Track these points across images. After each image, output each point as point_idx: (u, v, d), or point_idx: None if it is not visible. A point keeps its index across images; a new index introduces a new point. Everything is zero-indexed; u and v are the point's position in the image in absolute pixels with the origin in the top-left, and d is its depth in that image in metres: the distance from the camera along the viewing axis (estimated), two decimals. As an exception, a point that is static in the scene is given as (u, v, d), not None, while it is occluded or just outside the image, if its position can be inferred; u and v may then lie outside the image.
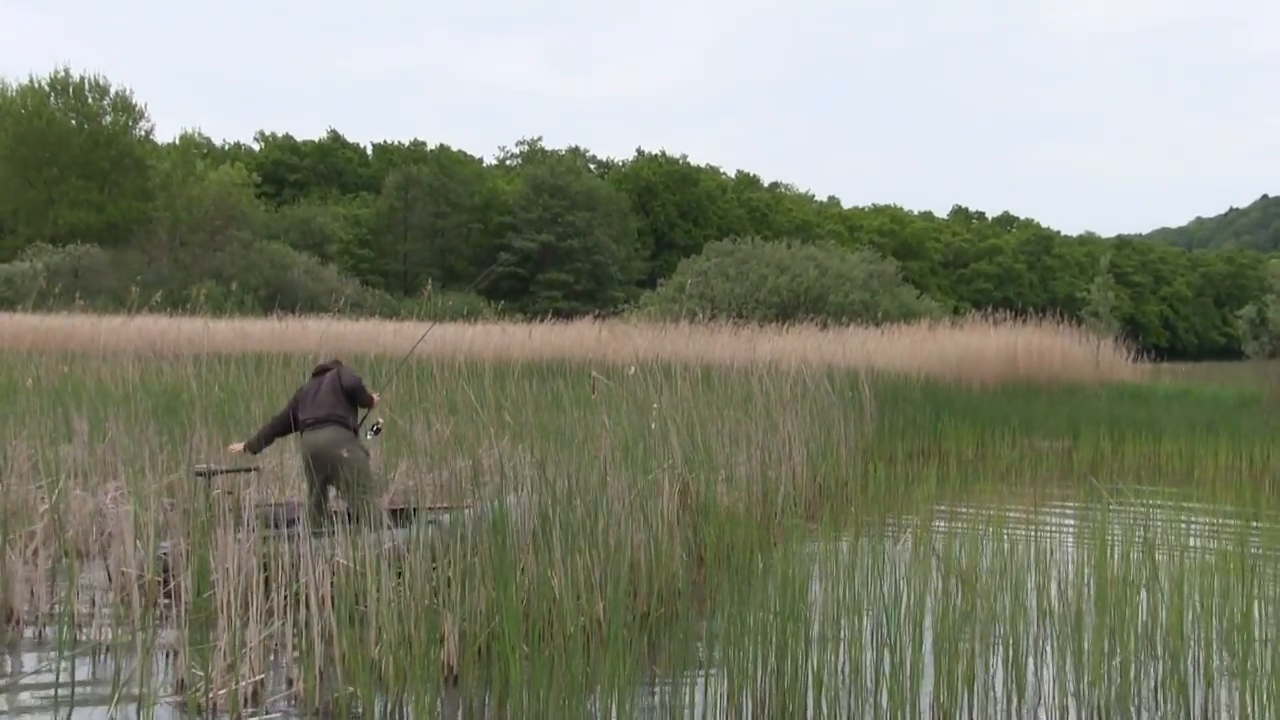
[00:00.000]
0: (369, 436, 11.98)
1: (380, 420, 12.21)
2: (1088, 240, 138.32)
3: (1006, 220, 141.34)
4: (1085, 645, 8.47)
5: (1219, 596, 9.09)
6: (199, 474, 11.58)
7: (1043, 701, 8.29)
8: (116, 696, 7.99)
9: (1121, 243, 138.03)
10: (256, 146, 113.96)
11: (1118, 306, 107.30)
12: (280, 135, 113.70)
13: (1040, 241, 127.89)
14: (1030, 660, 8.75)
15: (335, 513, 11.17)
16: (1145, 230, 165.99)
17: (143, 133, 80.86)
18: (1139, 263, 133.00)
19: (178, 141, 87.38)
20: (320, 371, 12.04)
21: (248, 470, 12.55)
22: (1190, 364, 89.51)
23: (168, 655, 8.94)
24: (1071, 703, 8.15)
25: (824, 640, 8.44)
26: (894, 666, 7.88)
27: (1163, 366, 61.02)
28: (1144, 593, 9.23)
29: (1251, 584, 9.06)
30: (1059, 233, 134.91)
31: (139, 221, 75.58)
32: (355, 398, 11.64)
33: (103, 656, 9.01)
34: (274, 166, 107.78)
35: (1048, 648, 8.88)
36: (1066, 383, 34.04)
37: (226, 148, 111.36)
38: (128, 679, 8.28)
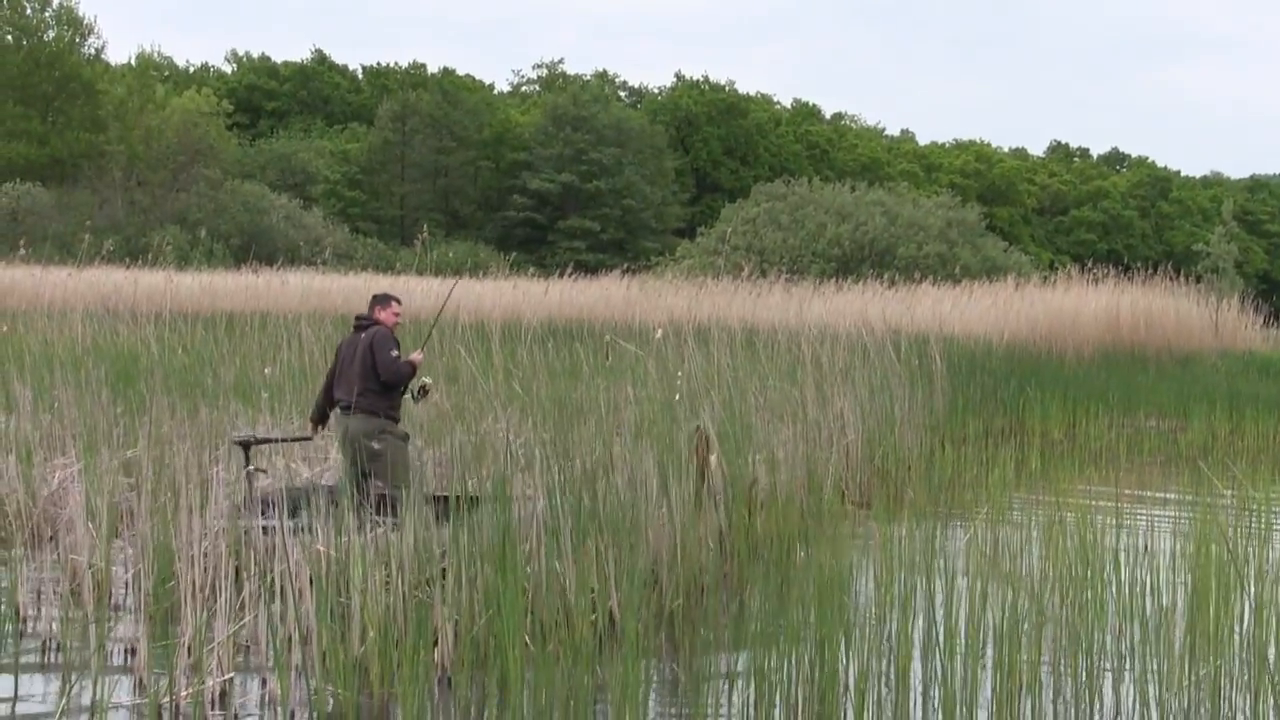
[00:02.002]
0: (413, 402, 12.36)
1: (426, 380, 12.53)
2: (1214, 182, 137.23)
3: (1115, 159, 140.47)
4: (1176, 652, 8.74)
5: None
6: (238, 443, 11.99)
7: (1120, 711, 8.57)
8: (66, 699, 8.38)
9: (1255, 184, 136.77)
10: (228, 69, 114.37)
11: (1247, 261, 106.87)
12: (256, 56, 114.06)
13: (1155, 184, 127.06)
14: (1106, 669, 9.03)
15: (380, 497, 11.55)
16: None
17: (92, 51, 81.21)
18: (1277, 208, 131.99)
19: (134, 62, 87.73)
20: (360, 325, 12.43)
21: (296, 440, 13.01)
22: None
23: (125, 653, 9.33)
24: (1152, 711, 8.42)
25: (869, 643, 8.75)
26: (945, 672, 8.18)
27: (1302, 333, 60.86)
28: (1248, 595, 9.49)
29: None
30: (1179, 173, 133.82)
31: (89, 156, 75.97)
32: (387, 382, 11.98)
33: (51, 653, 9.41)
34: (248, 93, 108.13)
35: (1129, 656, 9.13)
36: (1180, 352, 34.16)
37: (192, 70, 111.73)
38: (79, 679, 8.67)
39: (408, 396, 12.36)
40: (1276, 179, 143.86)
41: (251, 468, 11.79)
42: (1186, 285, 39.13)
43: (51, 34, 78.87)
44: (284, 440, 13.00)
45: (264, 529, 10.26)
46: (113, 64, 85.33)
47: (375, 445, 11.68)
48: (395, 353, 11.98)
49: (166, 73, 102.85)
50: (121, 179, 73.77)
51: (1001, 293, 39.04)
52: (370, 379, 11.91)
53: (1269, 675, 8.56)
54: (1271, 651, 8.73)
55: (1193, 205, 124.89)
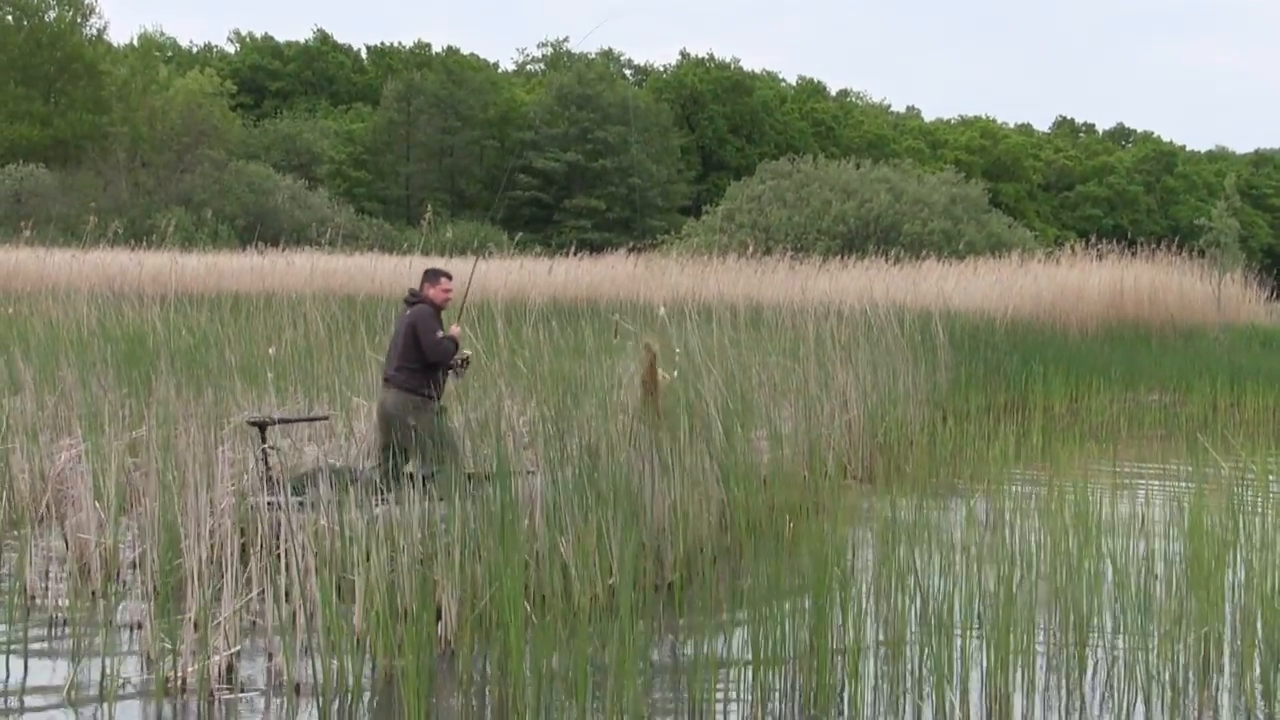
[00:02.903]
0: (455, 376, 12.40)
1: (467, 352, 12.53)
2: (1219, 156, 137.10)
3: (1121, 134, 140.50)
4: (1166, 621, 8.87)
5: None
6: (253, 424, 12.12)
7: (1111, 679, 8.70)
8: (74, 673, 8.53)
9: (1260, 159, 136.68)
10: (231, 49, 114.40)
11: (1252, 235, 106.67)
12: (259, 36, 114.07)
13: (1161, 159, 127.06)
14: (1098, 637, 9.17)
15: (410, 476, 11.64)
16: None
17: (94, 32, 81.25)
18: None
19: (136, 43, 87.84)
20: (411, 301, 12.42)
21: (313, 420, 13.10)
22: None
23: (132, 629, 9.48)
24: (1140, 679, 8.54)
25: (864, 613, 8.89)
26: (939, 640, 8.31)
27: (1306, 306, 60.98)
28: (1240, 564, 9.63)
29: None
30: (1184, 148, 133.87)
31: (92, 138, 76.04)
32: (434, 362, 12.03)
33: (59, 630, 9.56)
34: (252, 73, 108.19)
35: (1121, 623, 9.26)
36: (1183, 326, 34.26)
37: (195, 50, 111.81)
38: (87, 655, 8.82)
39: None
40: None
41: (267, 445, 11.92)
42: (1190, 260, 39.16)
43: (53, 15, 78.87)
44: (300, 420, 13.10)
45: (270, 505, 10.40)
46: (115, 45, 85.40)
47: (410, 420, 11.71)
48: (440, 333, 12.03)
49: (169, 53, 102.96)
50: (125, 160, 73.79)
51: (1005, 269, 39.11)
52: (409, 356, 11.95)
53: (1257, 642, 8.70)
54: (1259, 619, 8.87)
55: (1198, 180, 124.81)
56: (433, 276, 12.48)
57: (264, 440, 11.92)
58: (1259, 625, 8.82)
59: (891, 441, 17.75)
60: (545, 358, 17.34)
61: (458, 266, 15.15)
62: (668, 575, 10.66)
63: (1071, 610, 9.03)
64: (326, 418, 13.49)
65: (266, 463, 11.69)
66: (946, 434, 17.68)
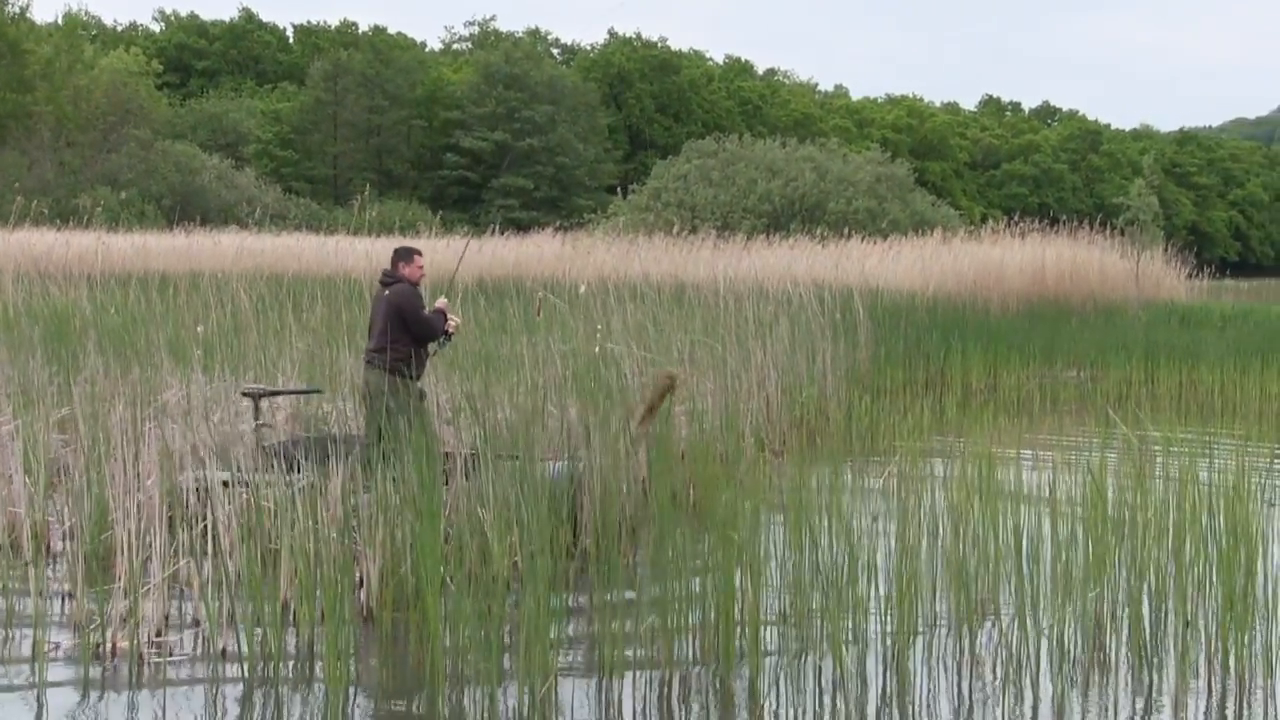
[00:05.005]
0: (434, 349, 12.56)
1: (456, 319, 12.60)
2: (1143, 135, 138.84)
3: (1046, 112, 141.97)
4: (1057, 585, 9.28)
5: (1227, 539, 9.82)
6: (246, 395, 12.28)
7: (1003, 640, 9.09)
8: (6, 647, 8.80)
9: (1184, 137, 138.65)
10: (156, 27, 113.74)
11: (1176, 213, 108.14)
12: (184, 14, 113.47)
13: (1086, 137, 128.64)
14: (996, 599, 9.57)
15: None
16: (1215, 122, 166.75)
17: (16, 10, 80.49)
18: (1204, 161, 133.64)
19: (60, 21, 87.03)
20: (386, 281, 12.50)
21: (305, 393, 13.28)
22: (1263, 280, 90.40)
23: (63, 599, 9.75)
24: (1034, 643, 8.95)
25: (769, 583, 9.26)
26: (832, 598, 8.68)
27: (1226, 284, 61.83)
28: (1135, 533, 10.04)
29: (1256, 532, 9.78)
30: (1109, 126, 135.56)
31: (16, 117, 75.39)
32: (422, 338, 12.26)
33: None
34: (177, 52, 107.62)
35: (1021, 586, 9.64)
36: (1105, 303, 34.77)
37: (120, 29, 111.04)
38: (19, 625, 9.09)
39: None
40: (1204, 131, 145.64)
41: (260, 421, 12.14)
42: (1112, 238, 39.73)
43: (-29, -6, 78.09)
44: (293, 393, 13.28)
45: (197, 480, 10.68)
46: (38, 23, 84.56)
47: (389, 401, 11.86)
48: (426, 310, 12.23)
49: (94, 32, 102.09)
50: (50, 140, 73.38)
51: (928, 246, 39.52)
52: (395, 334, 12.01)
53: (1149, 603, 9.14)
54: (1150, 581, 9.31)
55: (1122, 158, 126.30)
56: (406, 255, 12.55)
57: (258, 415, 12.14)
58: (1147, 591, 9.26)
59: (808, 417, 18.12)
60: (471, 336, 17.59)
61: (370, 244, 15.36)
62: (584, 545, 11.01)
63: (970, 576, 9.40)
64: (320, 390, 13.68)
65: (259, 437, 11.93)
66: (863, 409, 18.07)
